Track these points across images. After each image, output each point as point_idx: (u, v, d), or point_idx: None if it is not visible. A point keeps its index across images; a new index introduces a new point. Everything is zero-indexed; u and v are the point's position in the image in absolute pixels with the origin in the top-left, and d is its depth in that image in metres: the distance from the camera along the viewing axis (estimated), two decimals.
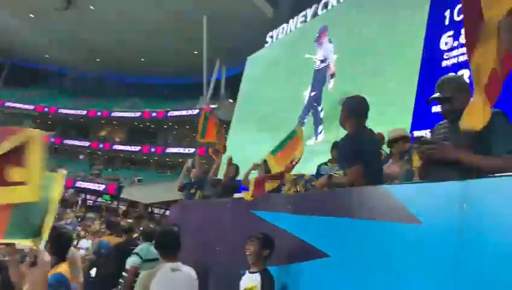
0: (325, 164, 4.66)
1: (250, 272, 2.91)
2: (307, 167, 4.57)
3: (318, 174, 4.55)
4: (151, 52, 33.58)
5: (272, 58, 18.28)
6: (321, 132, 13.90)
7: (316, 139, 13.97)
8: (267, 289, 2.71)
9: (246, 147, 16.99)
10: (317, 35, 16.50)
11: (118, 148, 34.06)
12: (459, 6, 10.61)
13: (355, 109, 2.82)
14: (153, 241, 3.46)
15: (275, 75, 17.35)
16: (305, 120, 14.97)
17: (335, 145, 4.40)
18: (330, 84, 14.65)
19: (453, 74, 2.58)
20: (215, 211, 4.60)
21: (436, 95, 2.30)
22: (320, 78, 15.24)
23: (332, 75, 14.66)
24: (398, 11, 12.69)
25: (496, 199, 1.62)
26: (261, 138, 16.45)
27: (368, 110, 2.86)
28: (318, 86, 15.23)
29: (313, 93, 15.26)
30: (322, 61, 15.87)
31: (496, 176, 1.67)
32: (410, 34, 11.63)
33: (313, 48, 16.41)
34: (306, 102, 15.38)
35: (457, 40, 11.40)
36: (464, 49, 11.01)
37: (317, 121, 14.34)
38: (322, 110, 14.15)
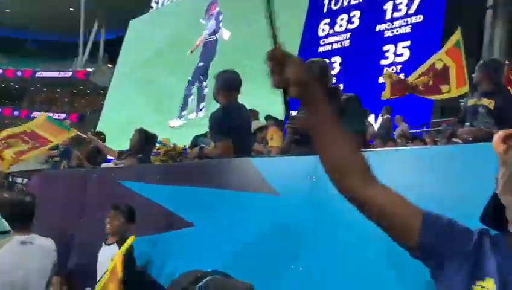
0: (204, 135, 4.68)
1: (107, 245, 2.81)
2: (188, 140, 4.55)
3: (194, 145, 4.56)
4: (19, 2, 29.66)
5: (157, 24, 17.54)
6: (203, 108, 13.86)
7: (197, 115, 13.92)
8: (126, 260, 2.64)
9: (123, 112, 16.20)
10: (206, 7, 16.24)
11: None
12: None
13: (226, 83, 2.85)
14: None
15: (159, 42, 16.72)
16: (191, 91, 14.77)
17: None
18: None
19: (317, 58, 2.77)
20: (81, 180, 4.32)
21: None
22: (209, 50, 15.10)
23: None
24: None
25: None
26: (139, 102, 15.85)
27: (240, 85, 2.92)
28: (206, 58, 15.08)
29: (200, 64, 15.06)
30: (212, 33, 15.69)
31: None
32: (292, 18, 12.10)
33: (201, 18, 16.13)
34: (193, 72, 15.16)
35: (333, 28, 12.28)
36: (338, 37, 11.94)
37: (200, 98, 14.25)
38: (206, 86, 14.11)
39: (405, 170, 1.73)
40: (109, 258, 2.64)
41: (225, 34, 14.60)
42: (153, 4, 18.52)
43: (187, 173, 2.82)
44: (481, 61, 3.61)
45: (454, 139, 3.73)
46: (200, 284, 0.69)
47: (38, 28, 32.83)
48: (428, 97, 5.88)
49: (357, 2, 11.70)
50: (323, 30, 12.43)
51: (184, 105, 14.53)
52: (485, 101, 3.32)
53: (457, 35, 5.58)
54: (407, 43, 10.25)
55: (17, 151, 4.20)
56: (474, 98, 3.53)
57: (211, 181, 2.53)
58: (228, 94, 2.85)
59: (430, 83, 5.61)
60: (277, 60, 0.97)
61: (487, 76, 3.42)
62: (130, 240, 2.39)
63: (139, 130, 4.47)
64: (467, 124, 3.43)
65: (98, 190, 3.80)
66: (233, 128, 2.72)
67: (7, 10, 31.77)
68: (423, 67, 5.76)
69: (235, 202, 2.30)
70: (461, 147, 2.40)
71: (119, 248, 2.64)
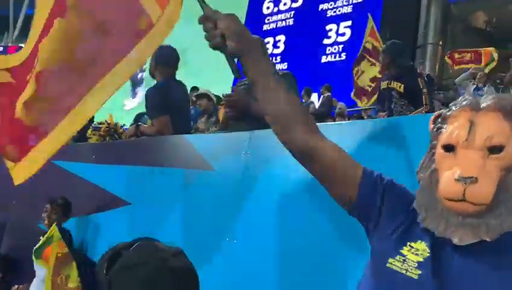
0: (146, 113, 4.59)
1: None
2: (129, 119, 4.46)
3: (137, 122, 4.48)
4: None
5: None
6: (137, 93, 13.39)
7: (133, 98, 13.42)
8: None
9: None
10: None
11: None
12: None
13: (163, 59, 2.80)
14: None
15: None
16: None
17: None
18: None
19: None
20: None
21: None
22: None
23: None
24: None
25: (271, 147, 1.85)
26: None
27: (178, 61, 2.88)
28: None
29: None
30: None
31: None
32: None
33: None
34: None
35: (277, 6, 12.31)
36: (282, 15, 11.99)
37: (136, 83, 13.72)
38: (144, 70, 13.67)
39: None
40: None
41: None
42: None
43: (122, 152, 2.77)
44: (384, 46, 3.83)
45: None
46: (132, 247, 0.71)
47: None
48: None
49: None
50: (268, 8, 12.44)
51: (135, 83, 14.06)
52: (396, 85, 3.57)
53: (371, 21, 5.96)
54: (349, 22, 10.50)
55: None
56: (385, 81, 3.76)
57: (146, 159, 2.51)
58: (165, 70, 2.79)
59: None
60: (207, 18, 1.00)
61: (392, 60, 3.65)
62: (52, 230, 2.39)
63: None
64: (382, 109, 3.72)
65: None
66: (171, 105, 2.69)
67: None
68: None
69: (171, 179, 2.30)
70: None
71: None
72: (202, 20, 1.02)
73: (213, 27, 1.00)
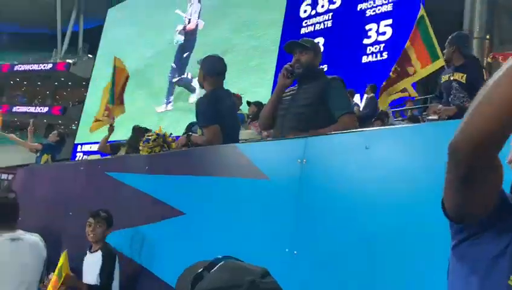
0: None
1: (91, 252, 2.79)
2: (177, 126, 4.55)
3: (189, 132, 4.56)
4: None
5: (136, 11, 17.21)
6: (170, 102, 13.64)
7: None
8: (108, 265, 2.65)
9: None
10: None
11: None
12: None
13: (211, 69, 2.83)
14: None
15: (141, 30, 16.44)
16: (179, 78, 14.56)
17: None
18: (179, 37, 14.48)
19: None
20: (68, 173, 4.28)
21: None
22: (189, 39, 14.88)
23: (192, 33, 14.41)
24: None
25: (328, 154, 1.80)
26: (129, 94, 15.65)
27: (225, 70, 2.89)
28: (190, 46, 14.85)
29: (185, 54, 14.82)
30: (189, 22, 15.47)
31: (328, 134, 1.86)
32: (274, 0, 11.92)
33: (184, 5, 15.87)
34: (176, 60, 14.91)
35: (315, 9, 12.20)
36: (320, 18, 11.88)
37: (191, 90, 14.00)
38: (192, 77, 13.94)
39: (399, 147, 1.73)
40: (94, 265, 2.65)
41: (200, 24, 14.48)
42: None
43: (175, 162, 2.80)
44: (449, 37, 3.67)
45: (429, 117, 3.84)
46: (215, 268, 0.68)
47: (13, 21, 31.94)
48: (401, 84, 5.85)
49: None
50: (305, 11, 12.34)
51: (170, 91, 14.39)
52: (457, 76, 3.41)
53: (420, 13, 5.58)
54: (389, 21, 10.24)
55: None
56: (447, 74, 3.60)
57: (199, 169, 2.52)
58: (214, 80, 2.82)
59: (398, 68, 5.63)
60: None
61: (457, 50, 3.50)
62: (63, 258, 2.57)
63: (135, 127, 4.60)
64: (443, 100, 3.52)
65: (86, 182, 3.76)
66: (220, 114, 2.70)
67: None
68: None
69: (225, 188, 2.30)
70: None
71: (103, 254, 2.65)
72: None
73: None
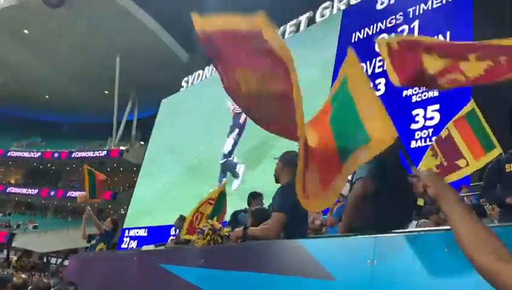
0: (244, 211, 4.63)
1: None
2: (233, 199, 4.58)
3: (234, 221, 4.53)
4: (57, 90, 31.81)
5: (187, 102, 18.25)
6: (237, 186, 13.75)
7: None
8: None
9: (154, 188, 16.38)
10: None
11: (12, 190, 30.88)
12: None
13: (290, 160, 2.88)
14: None
15: (190, 120, 17.27)
16: (231, 162, 14.82)
17: (251, 195, 4.55)
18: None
19: None
20: (120, 263, 4.27)
21: None
22: (238, 123, 15.36)
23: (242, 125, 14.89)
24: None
25: (402, 255, 1.68)
26: (173, 175, 16.06)
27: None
28: (238, 131, 15.29)
29: (235, 137, 15.22)
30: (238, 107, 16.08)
31: (401, 233, 1.75)
32: (322, 78, 12.14)
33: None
34: (227, 144, 15.27)
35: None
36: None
37: (235, 176, 14.28)
38: (238, 162, 14.22)
39: None
40: None
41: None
42: (183, 83, 19.42)
43: (232, 256, 2.73)
44: None
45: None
46: None
47: (74, 111, 34.77)
48: (451, 177, 5.49)
49: (380, 70, 11.90)
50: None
51: (221, 176, 14.60)
52: None
53: (468, 107, 5.38)
54: (437, 106, 10.21)
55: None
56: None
57: (258, 265, 2.43)
58: (292, 171, 2.87)
59: (445, 163, 5.31)
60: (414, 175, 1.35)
61: None
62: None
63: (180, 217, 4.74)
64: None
65: (139, 273, 3.72)
66: (292, 206, 2.68)
67: (47, 96, 34.01)
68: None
69: (285, 288, 2.18)
70: None
71: None
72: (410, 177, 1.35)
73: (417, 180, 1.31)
